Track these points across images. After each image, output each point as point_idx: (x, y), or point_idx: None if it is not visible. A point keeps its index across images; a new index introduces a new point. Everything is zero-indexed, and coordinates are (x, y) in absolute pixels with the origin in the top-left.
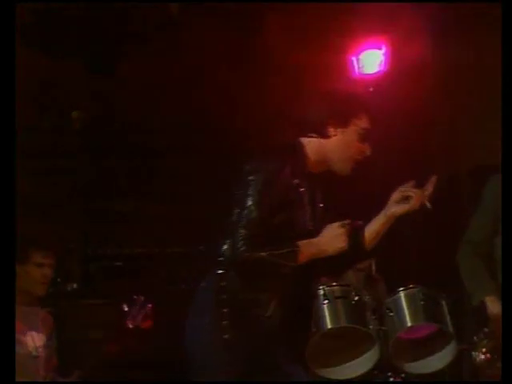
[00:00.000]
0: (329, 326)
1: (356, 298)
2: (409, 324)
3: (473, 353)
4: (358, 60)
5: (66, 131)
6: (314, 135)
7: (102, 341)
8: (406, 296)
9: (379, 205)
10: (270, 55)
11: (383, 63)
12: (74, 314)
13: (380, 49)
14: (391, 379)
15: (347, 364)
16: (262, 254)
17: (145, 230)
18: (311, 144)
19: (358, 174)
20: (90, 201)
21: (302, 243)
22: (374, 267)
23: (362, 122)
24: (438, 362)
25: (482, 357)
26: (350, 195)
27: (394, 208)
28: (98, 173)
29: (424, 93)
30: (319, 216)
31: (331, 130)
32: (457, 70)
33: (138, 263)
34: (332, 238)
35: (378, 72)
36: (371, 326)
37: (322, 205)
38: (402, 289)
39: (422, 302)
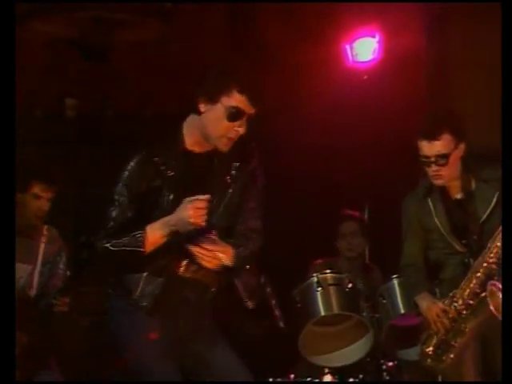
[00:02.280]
0: (322, 313)
1: (349, 286)
2: (402, 311)
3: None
4: (351, 48)
5: (60, 118)
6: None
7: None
8: (399, 283)
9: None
10: (264, 44)
11: (377, 51)
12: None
13: (374, 36)
14: (384, 366)
15: (340, 351)
16: (106, 244)
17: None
18: (188, 121)
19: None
20: (83, 188)
21: (150, 226)
22: (367, 255)
23: (232, 100)
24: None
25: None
26: None
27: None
28: (91, 160)
29: (418, 80)
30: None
31: (202, 106)
32: (451, 57)
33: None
34: (181, 213)
35: (371, 60)
36: (364, 314)
37: (228, 177)
38: (395, 276)
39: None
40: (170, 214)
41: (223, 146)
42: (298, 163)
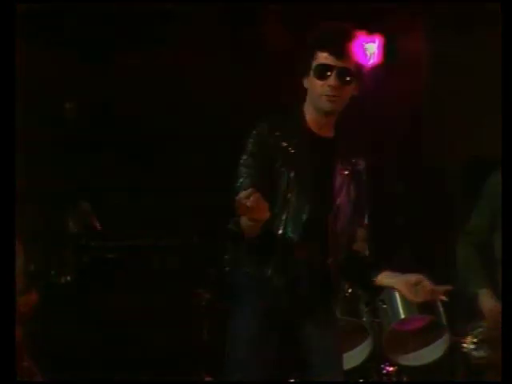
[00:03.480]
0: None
1: (349, 291)
2: (402, 316)
3: (464, 344)
4: None
5: (60, 122)
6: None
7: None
8: None
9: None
10: (263, 48)
11: (377, 56)
12: (66, 307)
13: (374, 42)
14: (384, 371)
15: None
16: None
17: (139, 222)
18: (306, 105)
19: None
20: (84, 192)
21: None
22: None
23: (317, 60)
24: (431, 353)
25: (472, 347)
26: None
27: (404, 289)
28: (91, 164)
29: (419, 85)
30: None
31: (304, 83)
32: (453, 61)
33: (131, 255)
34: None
35: (372, 64)
36: (364, 318)
37: (346, 172)
38: None
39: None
40: (289, 193)
41: (325, 106)
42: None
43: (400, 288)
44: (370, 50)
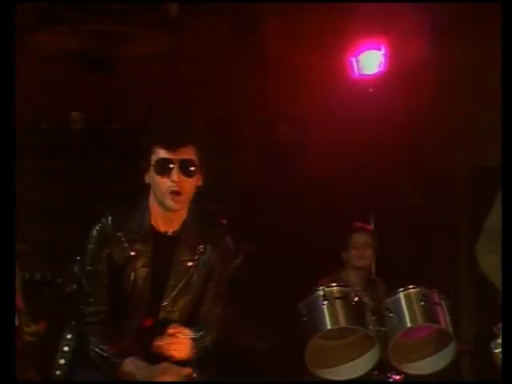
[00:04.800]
0: (328, 327)
1: (356, 299)
2: (408, 325)
3: (495, 350)
4: (357, 61)
5: (66, 132)
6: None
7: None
8: (405, 297)
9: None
10: (269, 57)
11: (383, 64)
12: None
13: (379, 49)
14: (390, 380)
15: (347, 365)
16: (94, 348)
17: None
18: (150, 203)
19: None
20: (89, 202)
21: (129, 362)
22: (373, 269)
23: (156, 155)
24: (437, 362)
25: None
26: None
27: None
28: (96, 174)
29: (424, 93)
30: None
31: (145, 178)
32: (457, 70)
33: None
34: (156, 377)
35: (377, 73)
36: (371, 327)
37: (191, 263)
38: (401, 289)
39: (422, 303)
40: (131, 292)
41: (170, 203)
42: (302, 174)
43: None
44: (375, 58)
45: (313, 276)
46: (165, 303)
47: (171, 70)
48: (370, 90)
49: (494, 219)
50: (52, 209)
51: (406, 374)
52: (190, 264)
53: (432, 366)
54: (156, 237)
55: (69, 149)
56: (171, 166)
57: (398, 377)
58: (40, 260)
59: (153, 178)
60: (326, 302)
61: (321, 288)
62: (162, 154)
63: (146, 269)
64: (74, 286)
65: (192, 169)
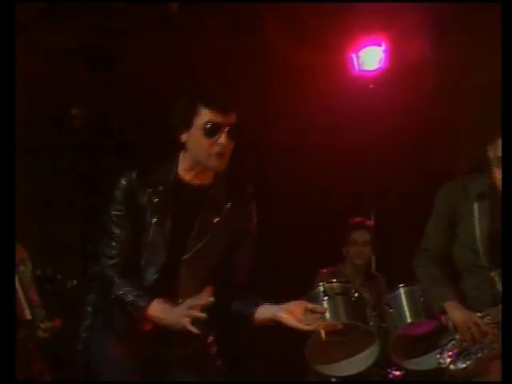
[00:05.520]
0: None
1: (356, 295)
2: (409, 320)
3: (440, 360)
4: (357, 57)
5: (66, 128)
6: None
7: None
8: (405, 292)
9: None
10: (269, 54)
11: (383, 60)
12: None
13: (380, 45)
14: (391, 376)
15: (347, 361)
16: (120, 292)
17: None
18: (181, 156)
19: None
20: (90, 197)
21: (155, 304)
22: (374, 265)
23: (203, 117)
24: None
25: (448, 360)
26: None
27: (288, 317)
28: (97, 170)
29: (424, 89)
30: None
31: (182, 137)
32: (457, 66)
33: None
34: (178, 319)
35: (377, 69)
36: (371, 323)
37: (216, 220)
38: (401, 285)
39: (422, 299)
40: (152, 240)
41: (215, 164)
42: (303, 170)
43: (283, 316)
44: (376, 54)
45: (313, 272)
46: (187, 256)
47: (171, 66)
48: (371, 86)
49: (430, 238)
50: (52, 206)
51: (407, 370)
52: (215, 220)
53: (432, 362)
54: (183, 188)
55: (69, 146)
56: (220, 129)
57: (398, 372)
58: (40, 257)
59: (196, 138)
60: (326, 298)
61: (321, 284)
62: (210, 116)
63: (169, 218)
64: (74, 282)
65: (236, 133)
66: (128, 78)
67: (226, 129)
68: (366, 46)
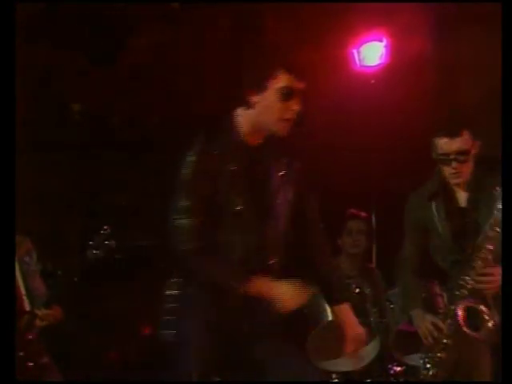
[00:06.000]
0: (330, 318)
1: (357, 291)
2: None
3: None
4: (358, 52)
5: (66, 123)
6: (241, 107)
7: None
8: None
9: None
10: (270, 47)
11: (384, 55)
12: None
13: (381, 41)
14: (391, 371)
15: (348, 356)
16: (214, 270)
17: (145, 222)
18: (241, 117)
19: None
20: (90, 193)
21: (257, 281)
22: (374, 258)
23: (281, 81)
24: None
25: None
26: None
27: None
28: (97, 165)
29: (425, 84)
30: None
31: (252, 98)
32: (457, 62)
33: (138, 256)
34: (286, 298)
35: (379, 64)
36: (372, 319)
37: (282, 173)
38: None
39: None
40: (227, 198)
41: (282, 129)
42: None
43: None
44: (377, 49)
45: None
46: (270, 215)
47: (172, 62)
48: (372, 81)
49: (406, 248)
50: (53, 201)
51: (408, 366)
52: (281, 173)
53: None
54: (248, 149)
55: (69, 141)
56: (294, 95)
57: (398, 368)
58: (40, 252)
59: (269, 101)
60: None
61: None
62: (288, 81)
63: (244, 180)
64: (75, 279)
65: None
66: (129, 72)
67: (299, 94)
68: (368, 41)
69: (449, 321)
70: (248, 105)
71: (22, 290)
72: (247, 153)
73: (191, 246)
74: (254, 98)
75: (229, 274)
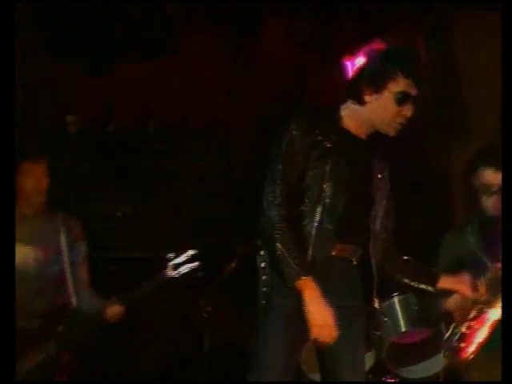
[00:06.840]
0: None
1: None
2: (403, 329)
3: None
4: (353, 65)
5: (63, 134)
6: (351, 101)
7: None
8: (399, 301)
9: None
10: (269, 57)
11: None
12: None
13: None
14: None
15: None
16: (287, 245)
17: (142, 232)
18: (347, 110)
19: None
20: (86, 203)
21: (309, 279)
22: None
23: (399, 86)
24: (432, 366)
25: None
26: None
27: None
28: (94, 175)
29: (422, 92)
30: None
31: (367, 97)
32: (456, 69)
33: (134, 267)
34: (322, 325)
35: None
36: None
37: (380, 176)
38: (395, 294)
39: (416, 307)
40: (324, 185)
41: (393, 131)
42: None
43: (462, 289)
44: None
45: None
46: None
47: (169, 71)
48: None
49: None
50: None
51: (401, 378)
52: (379, 176)
53: (427, 370)
54: (348, 137)
55: (65, 151)
56: (409, 100)
57: (392, 380)
58: None
59: (384, 103)
60: None
61: None
62: (406, 86)
63: (344, 165)
64: None
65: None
66: (126, 82)
67: (413, 101)
68: (362, 53)
69: None
70: (360, 102)
71: (70, 284)
72: (348, 140)
73: (282, 213)
74: (368, 98)
75: (295, 258)
